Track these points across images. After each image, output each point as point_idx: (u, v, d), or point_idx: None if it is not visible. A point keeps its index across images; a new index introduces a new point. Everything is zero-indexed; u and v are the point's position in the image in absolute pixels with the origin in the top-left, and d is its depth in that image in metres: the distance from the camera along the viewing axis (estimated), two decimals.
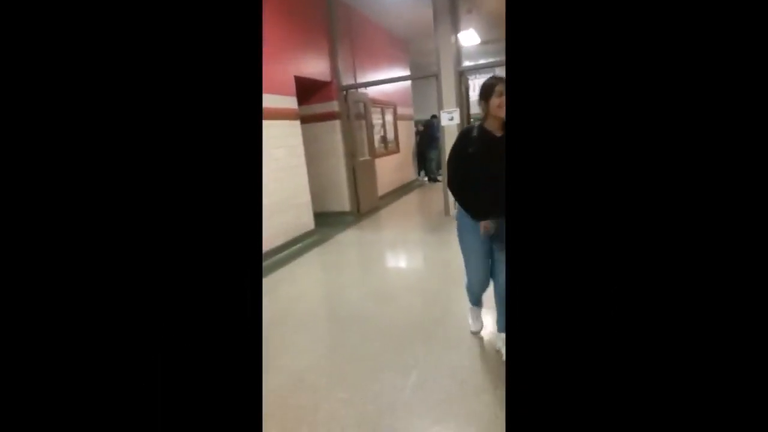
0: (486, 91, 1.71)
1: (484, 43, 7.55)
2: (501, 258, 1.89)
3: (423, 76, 6.57)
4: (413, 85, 8.45)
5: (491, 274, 1.98)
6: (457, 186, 1.83)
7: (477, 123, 1.77)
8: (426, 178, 8.71)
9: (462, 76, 5.12)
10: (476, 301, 2.22)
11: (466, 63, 5.54)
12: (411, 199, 7.03)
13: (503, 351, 1.97)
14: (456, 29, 5.01)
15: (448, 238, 4.16)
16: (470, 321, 2.27)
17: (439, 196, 5.78)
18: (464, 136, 1.79)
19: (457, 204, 1.90)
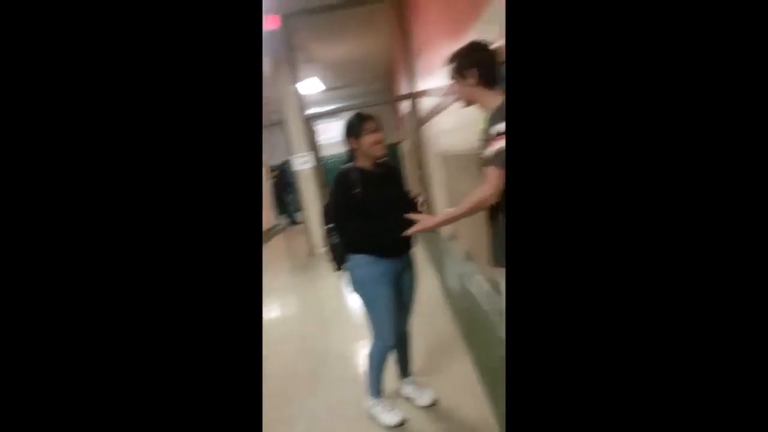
0: (354, 130, 1.57)
1: (329, 90, 7.97)
2: (410, 289, 1.74)
3: (269, 124, 6.61)
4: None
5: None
6: (357, 232, 1.58)
7: (347, 165, 1.62)
8: (287, 222, 8.61)
9: (309, 122, 5.31)
10: (378, 387, 1.76)
11: (313, 109, 5.77)
12: (274, 244, 6.85)
13: (415, 396, 1.83)
14: (296, 78, 5.20)
15: (316, 276, 4.17)
16: (383, 415, 1.75)
17: (301, 237, 5.77)
18: (343, 180, 1.57)
19: (350, 256, 1.61)
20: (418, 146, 4.82)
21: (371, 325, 1.66)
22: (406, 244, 1.64)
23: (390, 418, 1.73)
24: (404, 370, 1.87)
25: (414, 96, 4.59)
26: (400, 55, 4.95)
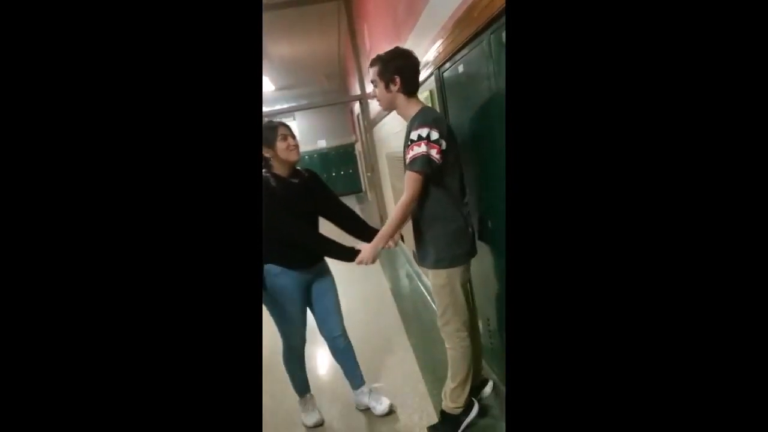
0: (266, 138, 1.53)
1: (279, 89, 7.84)
2: (325, 297, 1.75)
3: None
4: None
5: (319, 323, 1.77)
6: (272, 242, 1.45)
7: (263, 173, 1.59)
8: None
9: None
10: (300, 385, 1.84)
11: (264, 109, 5.66)
12: None
13: (373, 405, 1.83)
14: None
15: None
16: (302, 415, 1.85)
17: None
18: (266, 189, 1.52)
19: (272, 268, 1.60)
20: (369, 148, 4.85)
21: (279, 330, 1.71)
22: (318, 256, 1.68)
23: (308, 419, 1.83)
24: (355, 381, 1.84)
25: (363, 98, 4.61)
26: (351, 55, 4.96)
